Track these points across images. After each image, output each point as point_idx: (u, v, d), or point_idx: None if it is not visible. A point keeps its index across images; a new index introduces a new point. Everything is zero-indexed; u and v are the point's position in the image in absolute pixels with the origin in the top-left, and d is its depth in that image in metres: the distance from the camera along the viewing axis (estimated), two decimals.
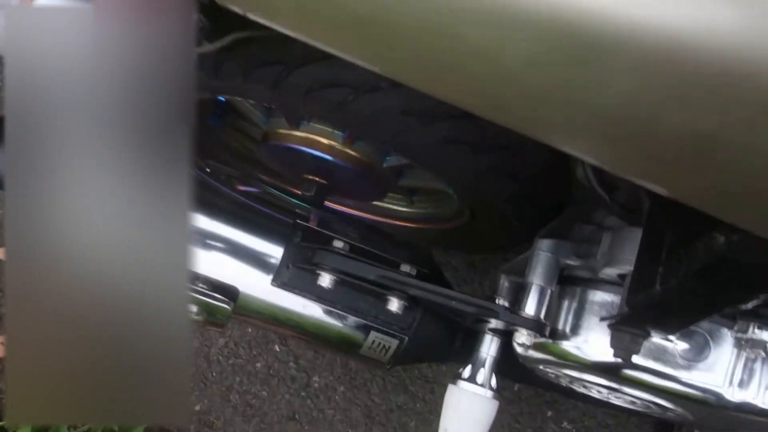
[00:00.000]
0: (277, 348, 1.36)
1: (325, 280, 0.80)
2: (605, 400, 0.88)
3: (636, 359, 0.70)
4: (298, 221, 0.86)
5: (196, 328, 1.36)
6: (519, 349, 0.81)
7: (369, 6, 0.40)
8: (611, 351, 0.68)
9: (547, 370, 0.83)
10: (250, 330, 1.37)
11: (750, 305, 0.57)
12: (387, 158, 0.97)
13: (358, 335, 0.87)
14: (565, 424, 1.28)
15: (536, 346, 0.78)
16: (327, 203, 1.14)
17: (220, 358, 1.37)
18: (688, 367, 0.69)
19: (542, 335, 0.74)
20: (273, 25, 0.48)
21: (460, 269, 1.35)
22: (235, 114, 1.07)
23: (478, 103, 0.44)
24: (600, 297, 0.73)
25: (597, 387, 0.81)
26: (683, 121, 0.36)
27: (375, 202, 1.16)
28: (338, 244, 0.82)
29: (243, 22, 0.53)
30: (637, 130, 0.38)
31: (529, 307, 0.75)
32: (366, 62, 0.45)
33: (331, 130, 0.92)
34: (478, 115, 0.46)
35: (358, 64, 0.45)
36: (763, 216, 0.41)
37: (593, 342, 0.73)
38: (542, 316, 0.75)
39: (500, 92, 0.40)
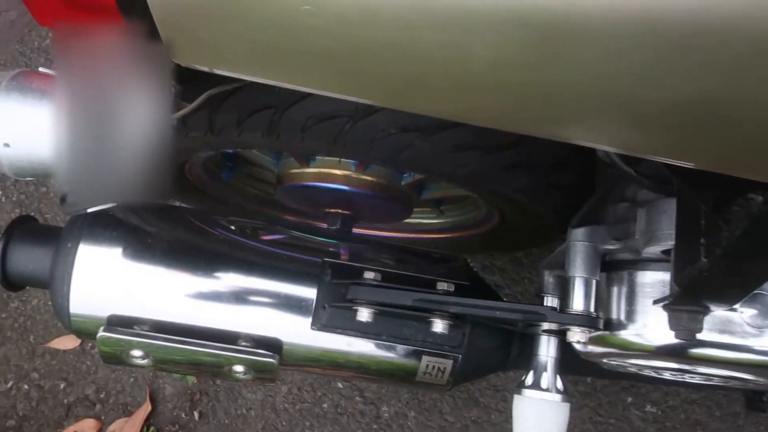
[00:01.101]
0: (340, 385, 1.34)
1: (364, 314, 0.78)
2: (681, 380, 0.82)
3: (701, 336, 0.65)
4: (326, 259, 0.84)
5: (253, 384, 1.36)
6: (577, 346, 0.77)
7: (325, 39, 0.38)
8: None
9: (612, 362, 0.78)
10: None
11: None
12: (404, 176, 0.95)
13: (411, 362, 0.84)
14: (648, 407, 1.22)
15: (594, 340, 0.74)
16: (357, 230, 1.13)
17: (286, 405, 1.36)
18: (759, 334, 0.64)
19: (596, 329, 0.70)
20: (238, 76, 0.46)
21: (507, 269, 1.31)
22: (247, 162, 1.06)
23: (460, 111, 0.42)
24: (649, 277, 0.69)
25: (668, 371, 0.76)
26: (675, 88, 0.33)
27: (405, 220, 1.14)
28: (369, 275, 0.79)
29: (215, 78, 0.52)
30: (629, 105, 0.35)
31: (577, 303, 0.71)
32: (335, 93, 0.43)
33: (341, 160, 0.90)
34: (469, 123, 0.44)
35: (331, 95, 0.44)
36: None
37: (653, 326, 0.69)
38: (592, 308, 0.71)
39: (476, 96, 0.38)
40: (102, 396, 1.43)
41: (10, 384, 1.43)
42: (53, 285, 0.80)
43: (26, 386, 1.43)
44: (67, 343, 1.46)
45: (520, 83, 0.36)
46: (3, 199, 1.57)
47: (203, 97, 0.52)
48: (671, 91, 0.34)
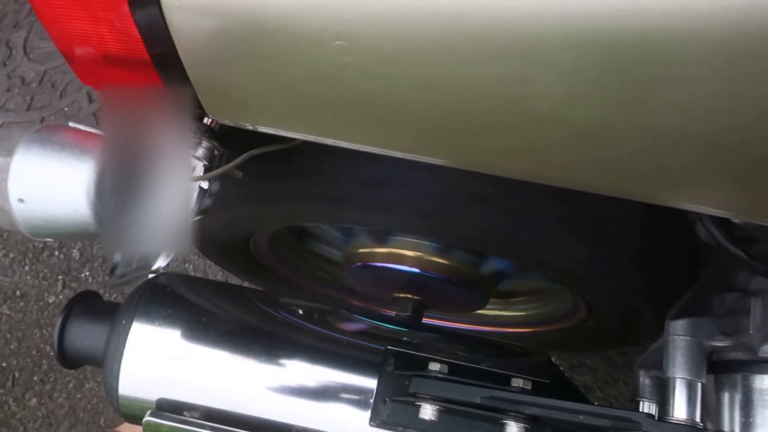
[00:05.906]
0: None
1: (427, 411, 0.69)
2: None
3: None
4: (389, 347, 0.76)
5: None
6: None
7: (361, 81, 0.33)
8: None
9: None
10: None
11: None
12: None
13: None
14: None
15: None
16: (431, 321, 1.05)
17: None
18: None
19: None
20: (283, 133, 0.42)
21: (599, 369, 1.18)
22: (314, 239, 1.03)
23: (531, 169, 0.35)
24: None
25: None
26: None
27: (481, 311, 1.05)
28: (435, 366, 0.71)
29: (257, 139, 0.48)
30: (747, 155, 0.27)
31: (678, 409, 0.60)
32: (379, 148, 0.38)
33: (418, 241, 0.84)
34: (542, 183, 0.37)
35: (377, 152, 0.38)
36: None
37: None
38: (698, 417, 0.59)
39: (547, 146, 0.31)
40: None
41: None
42: (105, 364, 0.77)
43: None
44: (136, 428, 1.43)
45: (598, 124, 0.29)
46: (90, 280, 1.61)
47: (243, 157, 0.48)
48: None
